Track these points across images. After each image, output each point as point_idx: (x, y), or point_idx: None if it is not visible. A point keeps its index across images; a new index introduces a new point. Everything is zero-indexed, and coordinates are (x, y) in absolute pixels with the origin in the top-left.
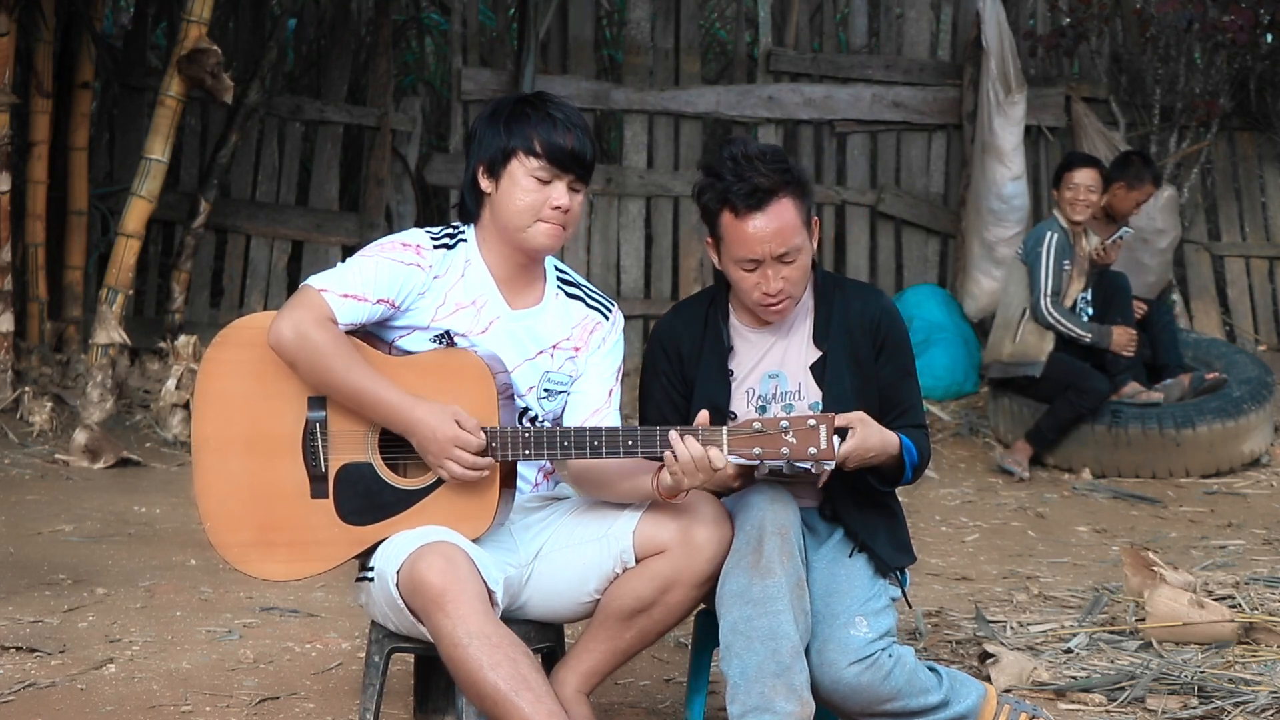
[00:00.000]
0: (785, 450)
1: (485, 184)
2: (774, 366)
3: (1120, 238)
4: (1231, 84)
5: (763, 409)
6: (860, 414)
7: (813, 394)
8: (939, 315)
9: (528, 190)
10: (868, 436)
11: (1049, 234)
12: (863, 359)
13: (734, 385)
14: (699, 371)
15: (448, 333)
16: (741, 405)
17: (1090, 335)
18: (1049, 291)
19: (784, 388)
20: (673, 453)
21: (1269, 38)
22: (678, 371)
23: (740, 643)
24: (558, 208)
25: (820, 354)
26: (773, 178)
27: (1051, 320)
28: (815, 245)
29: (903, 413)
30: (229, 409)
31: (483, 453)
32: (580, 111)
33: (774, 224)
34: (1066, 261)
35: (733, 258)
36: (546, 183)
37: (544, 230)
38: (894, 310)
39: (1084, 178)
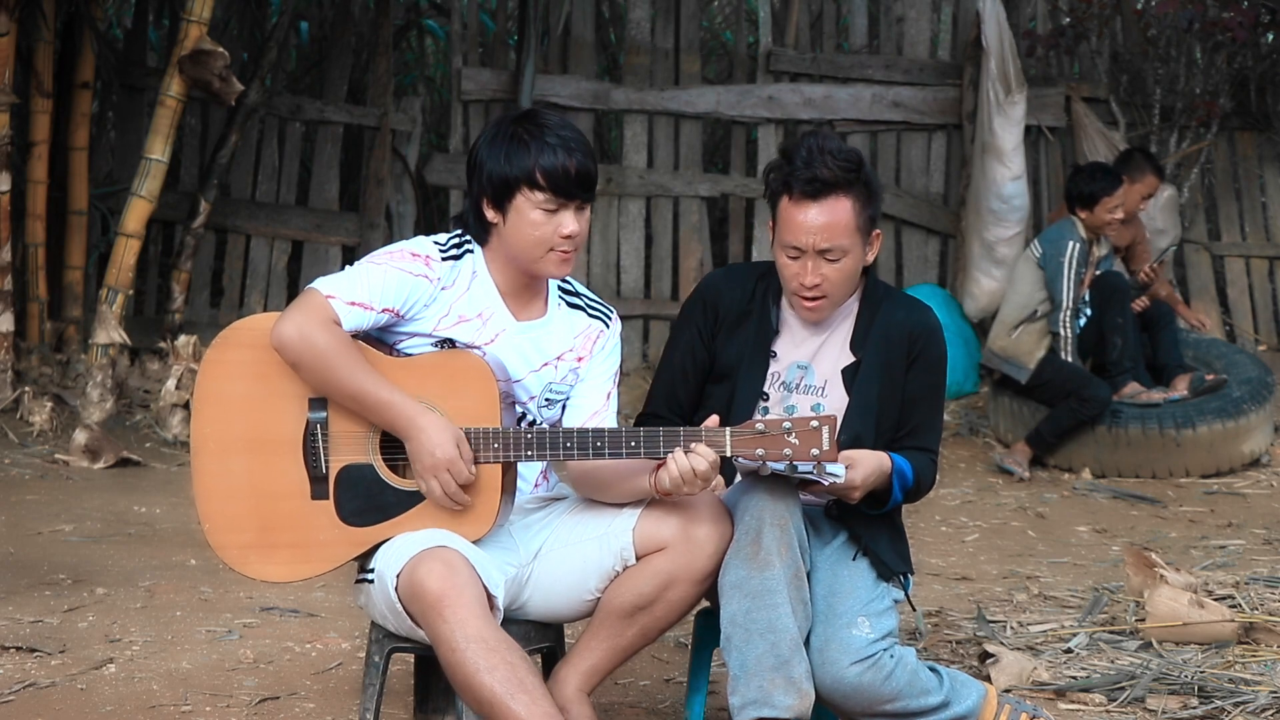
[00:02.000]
0: (788, 451)
1: (491, 215)
2: (806, 359)
3: (1165, 256)
4: (1231, 84)
5: (766, 410)
6: (846, 452)
7: (839, 396)
8: (939, 315)
9: (537, 224)
10: (865, 462)
11: (1071, 244)
12: (894, 369)
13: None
14: (732, 343)
15: (450, 340)
16: (768, 386)
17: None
18: (1070, 304)
19: (809, 381)
20: (673, 461)
21: (1269, 37)
22: (709, 329)
23: (740, 635)
24: (567, 235)
25: (855, 360)
26: (836, 173)
27: (1065, 334)
28: (872, 257)
29: (913, 431)
30: (229, 410)
31: (467, 488)
32: (576, 124)
33: (824, 218)
34: (1083, 270)
35: (781, 242)
36: (554, 212)
37: (556, 259)
38: (937, 330)
39: (1121, 195)
